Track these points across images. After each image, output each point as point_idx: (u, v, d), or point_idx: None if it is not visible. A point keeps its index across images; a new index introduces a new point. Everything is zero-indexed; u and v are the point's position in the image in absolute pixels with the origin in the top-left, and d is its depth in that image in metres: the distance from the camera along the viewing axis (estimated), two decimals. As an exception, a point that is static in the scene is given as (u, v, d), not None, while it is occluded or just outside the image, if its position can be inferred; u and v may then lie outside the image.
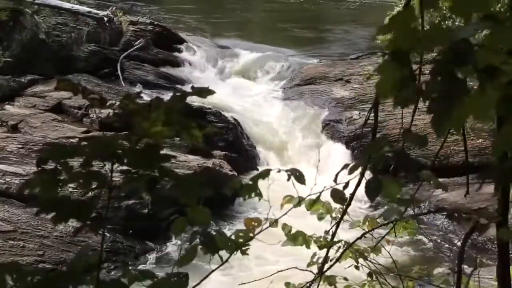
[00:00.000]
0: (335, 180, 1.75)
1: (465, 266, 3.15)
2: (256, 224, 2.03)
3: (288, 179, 1.80)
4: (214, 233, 1.48)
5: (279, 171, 1.83)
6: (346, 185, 1.80)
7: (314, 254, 2.99)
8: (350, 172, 1.57)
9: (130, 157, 1.29)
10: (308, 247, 3.02)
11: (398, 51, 1.22)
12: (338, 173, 1.69)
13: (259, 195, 1.75)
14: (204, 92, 1.38)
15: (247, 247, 1.79)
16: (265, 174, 1.77)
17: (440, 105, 1.20)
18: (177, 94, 1.33)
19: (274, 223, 2.89)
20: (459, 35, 1.17)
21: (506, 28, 1.16)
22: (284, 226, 3.04)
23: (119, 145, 1.29)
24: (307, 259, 3.04)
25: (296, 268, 3.00)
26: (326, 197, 2.11)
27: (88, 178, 1.29)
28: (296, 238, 3.00)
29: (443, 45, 1.18)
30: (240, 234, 1.99)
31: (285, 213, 2.09)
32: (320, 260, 2.89)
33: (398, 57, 1.22)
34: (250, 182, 1.75)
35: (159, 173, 1.33)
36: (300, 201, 2.77)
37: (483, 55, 1.15)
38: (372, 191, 1.50)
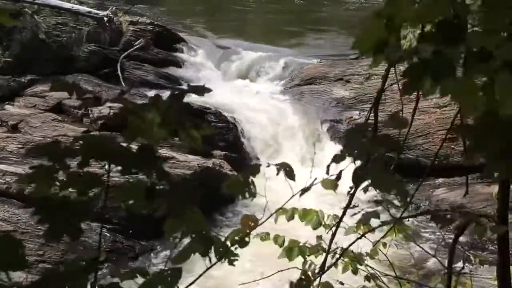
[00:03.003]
0: (327, 172, 1.74)
1: (467, 265, 3.15)
2: (252, 223, 2.00)
3: (278, 173, 1.78)
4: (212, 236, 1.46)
5: (268, 165, 1.81)
6: (339, 176, 1.79)
7: (305, 261, 2.98)
8: (335, 160, 1.56)
9: (123, 159, 1.28)
10: (304, 258, 3.01)
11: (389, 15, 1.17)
12: (329, 164, 1.68)
13: (253, 194, 1.71)
14: (201, 90, 1.37)
15: (235, 257, 1.74)
16: (256, 170, 1.74)
17: (420, 73, 1.14)
18: (175, 92, 1.32)
19: (265, 235, 2.90)
20: (452, 9, 1.10)
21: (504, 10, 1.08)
22: (277, 238, 3.03)
23: (114, 146, 1.28)
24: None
25: (296, 268, 3.00)
26: (324, 200, 2.10)
27: (85, 179, 1.28)
28: (290, 250, 2.98)
29: (436, 18, 1.13)
30: (236, 239, 1.96)
31: (268, 218, 2.06)
32: (313, 267, 2.89)
33: (388, 19, 1.18)
34: (241, 179, 1.72)
35: (156, 175, 1.31)
36: (293, 212, 2.76)
37: (476, 36, 1.09)
38: (358, 177, 1.50)
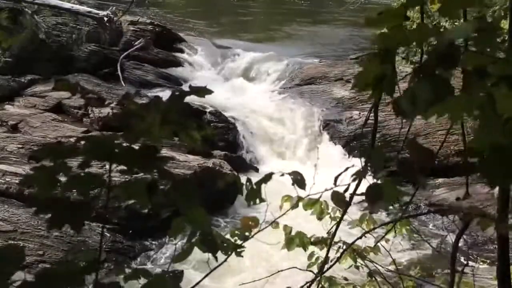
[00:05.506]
0: (335, 183, 1.74)
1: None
2: (253, 223, 2.02)
3: (293, 184, 1.80)
4: (214, 232, 1.47)
5: (282, 174, 1.82)
6: (347, 189, 1.80)
7: (313, 253, 3.00)
8: (358, 177, 1.56)
9: (126, 159, 1.28)
10: (305, 249, 3.03)
11: (384, 48, 1.23)
12: (338, 175, 1.68)
13: (263, 200, 1.75)
14: (202, 91, 1.37)
15: (242, 249, 1.78)
16: (268, 178, 1.76)
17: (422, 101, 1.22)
18: (176, 93, 1.32)
19: (274, 224, 2.91)
20: (447, 38, 1.18)
21: (493, 32, 1.17)
22: (285, 227, 3.05)
23: (116, 145, 1.28)
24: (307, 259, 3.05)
25: (296, 268, 3.00)
26: (326, 198, 2.11)
27: (87, 179, 1.28)
28: (292, 241, 3.00)
29: (428, 44, 1.20)
30: (237, 233, 1.98)
31: (283, 214, 2.09)
32: (320, 260, 2.89)
33: (383, 53, 1.24)
34: (254, 187, 1.74)
35: (158, 175, 1.32)
36: (298, 201, 2.77)
37: (471, 57, 1.16)
38: (372, 197, 1.49)
